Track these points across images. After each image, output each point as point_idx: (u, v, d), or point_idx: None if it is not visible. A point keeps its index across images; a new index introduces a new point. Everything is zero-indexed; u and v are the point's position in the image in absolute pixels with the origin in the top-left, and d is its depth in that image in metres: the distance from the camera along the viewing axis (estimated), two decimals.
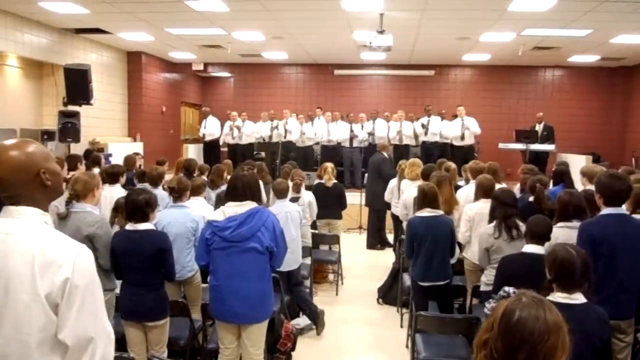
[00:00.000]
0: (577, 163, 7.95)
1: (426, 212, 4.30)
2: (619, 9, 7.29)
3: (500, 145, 10.64)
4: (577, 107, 12.87)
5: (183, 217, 4.26)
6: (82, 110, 8.42)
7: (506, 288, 2.64)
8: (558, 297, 2.33)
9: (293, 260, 4.76)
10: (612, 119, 12.85)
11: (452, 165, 6.45)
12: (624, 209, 3.26)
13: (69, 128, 8.05)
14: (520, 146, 10.28)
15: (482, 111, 11.16)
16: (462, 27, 8.95)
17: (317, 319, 4.97)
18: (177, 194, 4.40)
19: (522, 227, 3.76)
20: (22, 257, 1.49)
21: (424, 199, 4.35)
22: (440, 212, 4.35)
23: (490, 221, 4.02)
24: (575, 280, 2.34)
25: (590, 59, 11.60)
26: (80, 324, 1.48)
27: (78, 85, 8.05)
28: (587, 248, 2.95)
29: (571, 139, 12.04)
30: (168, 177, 7.38)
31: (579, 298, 2.34)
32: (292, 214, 4.97)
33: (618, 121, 12.77)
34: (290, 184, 6.01)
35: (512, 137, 10.71)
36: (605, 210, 3.19)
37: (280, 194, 5.11)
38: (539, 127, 10.97)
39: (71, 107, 8.22)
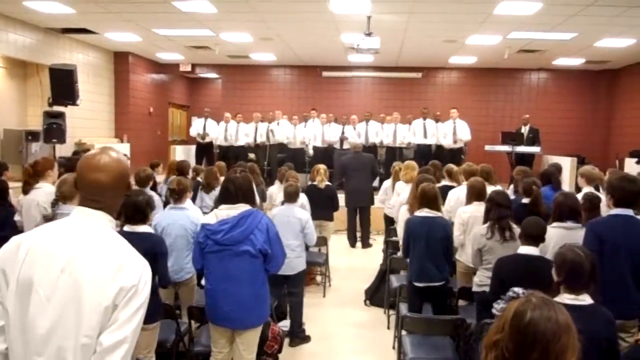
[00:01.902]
0: (562, 165, 8.03)
1: (424, 212, 4.30)
2: (603, 13, 7.40)
3: (487, 148, 10.73)
4: (562, 109, 13.03)
5: (183, 219, 4.24)
6: (68, 111, 8.33)
7: (515, 289, 2.65)
8: (565, 298, 2.36)
9: (289, 266, 4.56)
10: (597, 122, 13.03)
11: (454, 167, 6.46)
12: (631, 211, 3.33)
13: (54, 129, 7.94)
14: (506, 148, 10.37)
15: (468, 113, 11.25)
16: (449, 30, 9.02)
17: (299, 341, 4.86)
18: (178, 195, 4.36)
19: (516, 228, 3.81)
20: (94, 261, 1.53)
21: (423, 198, 4.34)
22: (439, 214, 4.33)
23: (484, 222, 4.06)
24: (583, 282, 2.38)
25: (575, 62, 11.75)
26: (123, 330, 1.50)
27: (64, 85, 7.95)
28: (593, 245, 3.03)
29: (556, 141, 12.19)
30: (160, 178, 7.36)
31: (586, 299, 2.37)
32: (291, 219, 4.82)
33: (602, 123, 12.95)
34: (284, 185, 5.97)
35: (498, 139, 10.80)
36: (614, 211, 3.27)
37: (289, 197, 5.01)
38: (524, 129, 11.07)
39: (56, 108, 8.12)
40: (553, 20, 7.98)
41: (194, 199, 6.04)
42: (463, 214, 4.68)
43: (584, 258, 2.39)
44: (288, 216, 4.85)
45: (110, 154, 1.66)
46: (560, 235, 3.57)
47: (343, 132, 11.17)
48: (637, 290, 3.18)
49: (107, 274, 1.50)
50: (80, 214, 1.63)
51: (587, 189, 5.03)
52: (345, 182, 8.47)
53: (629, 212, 3.26)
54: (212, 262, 3.25)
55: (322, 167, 7.18)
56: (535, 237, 3.33)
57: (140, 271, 1.55)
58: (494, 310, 3.10)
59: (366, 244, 8.50)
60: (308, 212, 6.05)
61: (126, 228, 3.46)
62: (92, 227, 1.59)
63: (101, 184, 1.62)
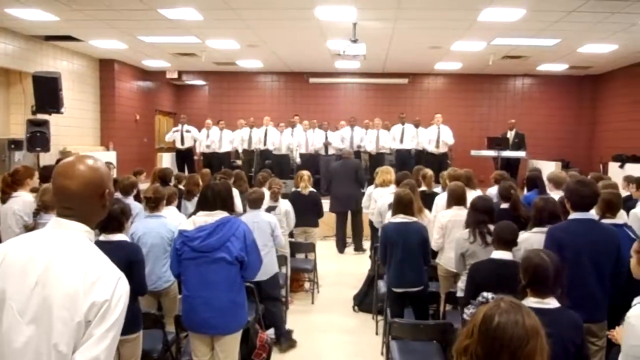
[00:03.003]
0: (546, 169, 8.11)
1: (399, 218, 4.34)
2: (585, 19, 7.50)
3: (473, 153, 10.81)
4: (547, 114, 13.18)
5: (159, 227, 4.21)
6: (52, 119, 8.24)
7: (484, 294, 2.66)
8: (531, 302, 2.37)
9: (262, 271, 4.65)
10: (580, 126, 13.19)
11: (429, 172, 6.50)
12: (592, 214, 3.34)
13: (37, 137, 7.85)
14: (492, 153, 10.47)
15: (454, 119, 11.33)
16: (434, 37, 9.09)
17: (286, 342, 4.84)
18: (154, 203, 4.33)
19: None
20: (68, 274, 1.48)
21: (399, 204, 4.37)
22: (414, 219, 4.37)
23: (467, 227, 4.09)
24: (548, 286, 2.39)
25: (559, 67, 11.90)
26: (96, 348, 1.46)
27: (48, 93, 7.86)
28: (553, 251, 3.02)
29: (541, 146, 12.32)
30: (144, 186, 7.29)
31: (552, 303, 2.38)
32: (261, 224, 4.81)
33: (586, 128, 13.12)
34: (268, 192, 5.97)
35: (484, 144, 10.89)
36: (573, 215, 3.26)
37: (253, 203, 5.01)
38: (510, 134, 11.19)
39: (40, 116, 8.04)
40: (536, 27, 8.08)
41: (179, 207, 6.00)
42: (442, 218, 4.71)
43: (549, 262, 2.40)
44: (257, 222, 4.81)
45: (85, 162, 1.61)
46: (542, 241, 3.58)
47: (326, 138, 11.19)
48: (603, 293, 3.19)
49: (79, 289, 1.46)
50: (55, 225, 1.59)
51: (555, 194, 5.06)
52: (333, 188, 8.49)
53: (589, 215, 3.26)
54: (188, 268, 3.23)
55: (305, 173, 7.15)
56: (508, 241, 3.36)
57: (113, 285, 1.50)
58: (464, 315, 3.11)
59: (359, 248, 8.48)
60: (293, 219, 6.08)
61: (101, 237, 3.42)
62: (66, 239, 1.55)
63: (68, 191, 1.57)
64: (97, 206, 1.64)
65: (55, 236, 1.56)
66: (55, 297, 1.46)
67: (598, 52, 9.88)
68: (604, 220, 3.59)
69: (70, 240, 1.55)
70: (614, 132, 12.00)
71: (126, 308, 1.54)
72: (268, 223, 4.89)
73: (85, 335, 1.45)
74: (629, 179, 6.19)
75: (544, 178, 5.64)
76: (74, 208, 1.58)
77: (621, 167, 10.02)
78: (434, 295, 4.62)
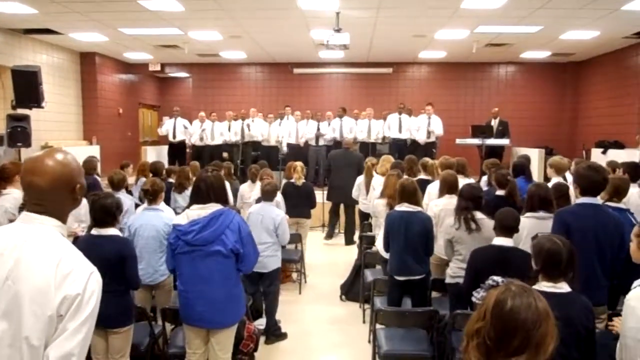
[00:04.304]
0: (530, 156, 8.19)
1: (404, 207, 4.33)
2: (567, 5, 7.54)
3: (458, 141, 10.86)
4: (530, 102, 13.27)
5: (156, 220, 4.18)
6: (33, 113, 8.11)
7: (494, 277, 2.67)
8: (543, 286, 2.40)
9: (262, 264, 4.62)
10: (563, 113, 13.31)
11: (430, 161, 6.52)
12: (598, 199, 3.41)
13: (18, 132, 7.74)
14: (476, 141, 10.52)
15: (439, 107, 11.35)
16: (417, 25, 9.08)
17: (275, 335, 4.87)
18: (152, 196, 4.31)
19: (483, 219, 3.91)
20: (39, 268, 1.46)
21: (402, 193, 4.37)
22: (418, 208, 4.35)
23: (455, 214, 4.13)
24: (560, 270, 2.42)
25: (542, 55, 11.97)
26: (69, 342, 1.45)
27: (27, 87, 7.73)
28: (560, 234, 3.09)
29: (525, 133, 12.40)
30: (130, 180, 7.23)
31: (563, 287, 2.42)
32: (265, 218, 4.78)
33: (569, 115, 13.24)
34: (259, 184, 5.94)
35: (469, 132, 10.94)
36: (581, 200, 3.35)
37: (266, 195, 4.96)
38: (494, 122, 11.25)
39: (21, 111, 7.91)
40: (519, 14, 8.11)
41: (167, 200, 5.97)
42: (435, 207, 4.75)
43: (562, 247, 2.43)
44: (263, 215, 4.82)
45: (54, 157, 1.58)
46: (532, 225, 3.65)
47: (318, 129, 11.19)
48: (605, 276, 3.27)
49: (50, 282, 1.45)
50: (25, 219, 1.57)
51: (556, 179, 5.14)
52: (331, 177, 8.48)
53: (595, 200, 3.35)
54: (183, 263, 3.22)
55: (298, 164, 7.11)
56: (509, 228, 3.40)
57: (85, 279, 1.49)
58: (473, 299, 3.13)
59: (350, 241, 8.44)
60: (283, 210, 6.06)
61: (94, 232, 3.40)
62: (37, 233, 1.53)
63: (37, 187, 1.55)
64: (68, 201, 1.61)
65: (26, 231, 1.54)
66: (26, 291, 1.45)
67: (580, 39, 9.95)
68: (609, 204, 3.70)
69: (41, 234, 1.53)
70: (596, 119, 12.12)
71: (99, 302, 1.54)
72: (272, 219, 4.79)
73: (58, 330, 1.45)
74: (613, 165, 6.28)
75: (533, 164, 5.71)
76: (44, 205, 1.55)
77: (604, 153, 10.14)
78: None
